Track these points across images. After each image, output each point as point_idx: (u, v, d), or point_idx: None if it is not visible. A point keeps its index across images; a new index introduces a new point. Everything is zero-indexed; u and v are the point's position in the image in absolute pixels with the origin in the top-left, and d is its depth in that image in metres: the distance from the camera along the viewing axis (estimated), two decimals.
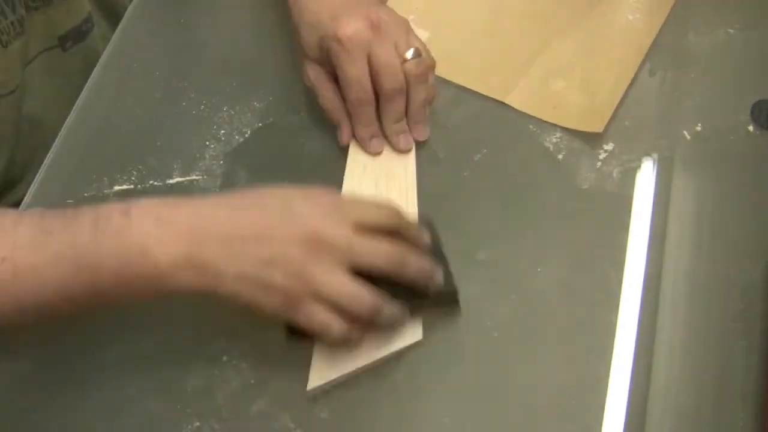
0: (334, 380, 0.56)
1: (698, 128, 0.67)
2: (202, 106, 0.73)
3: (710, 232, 0.62)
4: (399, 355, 0.57)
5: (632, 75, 0.70)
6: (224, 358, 0.59)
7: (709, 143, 0.66)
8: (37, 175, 0.69)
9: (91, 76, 0.76)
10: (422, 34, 0.71)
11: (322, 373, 0.56)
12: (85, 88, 0.75)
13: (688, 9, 0.76)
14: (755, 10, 0.74)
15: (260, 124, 0.71)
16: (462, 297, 0.59)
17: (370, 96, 0.64)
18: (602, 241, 0.62)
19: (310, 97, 0.70)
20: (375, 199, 0.57)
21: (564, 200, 0.65)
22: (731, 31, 0.73)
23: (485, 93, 0.71)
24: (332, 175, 0.67)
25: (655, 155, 0.66)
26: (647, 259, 0.61)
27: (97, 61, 0.78)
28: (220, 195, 0.55)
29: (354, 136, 0.67)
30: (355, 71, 0.62)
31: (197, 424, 0.56)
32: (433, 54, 0.66)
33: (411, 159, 0.67)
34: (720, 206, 0.64)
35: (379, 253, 0.52)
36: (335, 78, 0.65)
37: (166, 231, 0.50)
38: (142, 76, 0.76)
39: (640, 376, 0.56)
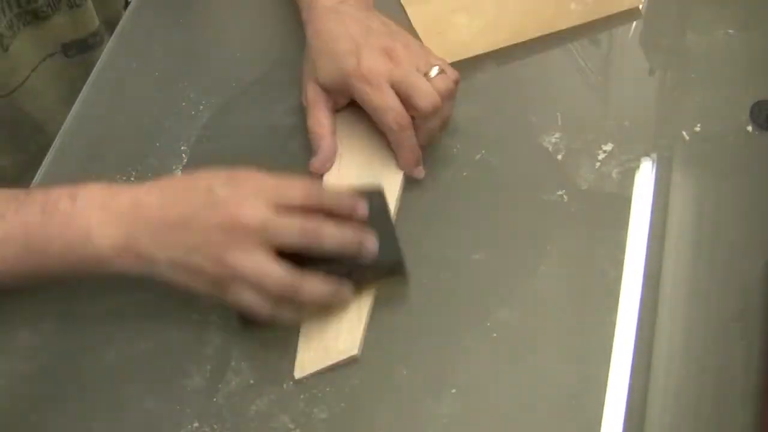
0: (320, 370, 0.57)
1: (697, 128, 0.67)
2: (202, 107, 0.73)
3: (710, 232, 0.62)
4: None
5: None
6: (224, 358, 0.59)
7: (708, 143, 0.67)
8: (37, 175, 0.69)
9: (91, 75, 0.76)
10: None
11: (304, 365, 0.57)
12: (85, 87, 0.75)
13: (687, 9, 0.76)
14: (755, 10, 0.74)
15: (260, 125, 0.71)
16: (462, 297, 0.59)
17: (408, 119, 0.62)
18: (602, 241, 0.62)
19: None
20: (300, 179, 0.57)
21: (563, 200, 0.65)
22: (731, 31, 0.73)
23: (506, 43, 0.74)
24: None
25: (654, 155, 0.66)
26: (647, 259, 0.61)
27: None
28: (160, 180, 0.56)
29: (399, 165, 0.65)
30: (385, 99, 0.62)
31: (196, 424, 0.56)
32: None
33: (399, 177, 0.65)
34: (719, 206, 0.64)
35: (293, 229, 0.53)
36: (334, 109, 0.67)
37: (107, 218, 0.53)
38: (142, 76, 0.76)
39: (640, 375, 0.56)
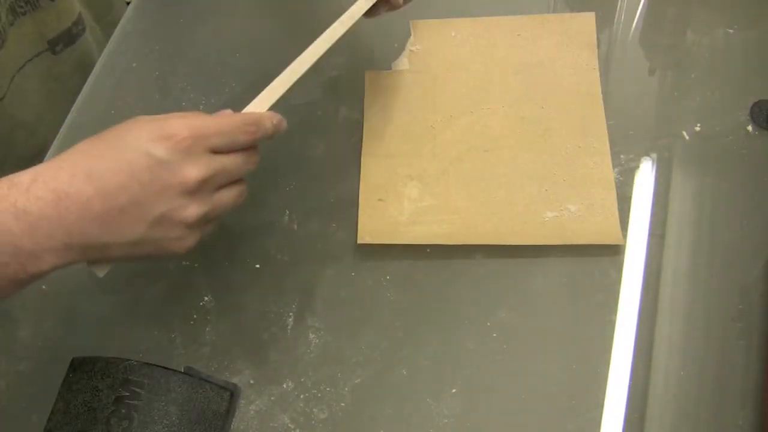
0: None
1: (697, 128, 0.67)
2: (201, 106, 0.73)
3: (710, 232, 0.62)
4: None
5: (609, 160, 0.66)
6: (224, 357, 0.59)
7: (708, 143, 0.67)
8: None
9: (91, 75, 0.76)
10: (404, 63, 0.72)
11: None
12: (85, 87, 0.75)
13: (688, 9, 0.76)
14: (755, 10, 0.74)
15: None
16: (462, 297, 0.59)
17: None
18: None
19: (309, 98, 0.70)
20: (232, 117, 0.53)
21: None
22: (731, 31, 0.73)
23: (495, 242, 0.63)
24: (332, 174, 0.68)
25: (654, 155, 0.66)
26: (647, 258, 0.61)
27: (91, 66, 0.78)
28: (74, 161, 0.48)
29: None
30: None
31: None
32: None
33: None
34: (719, 206, 0.64)
35: (235, 164, 0.52)
36: None
37: (29, 228, 0.46)
38: (142, 76, 0.76)
39: (640, 375, 0.56)
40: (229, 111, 0.54)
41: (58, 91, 0.80)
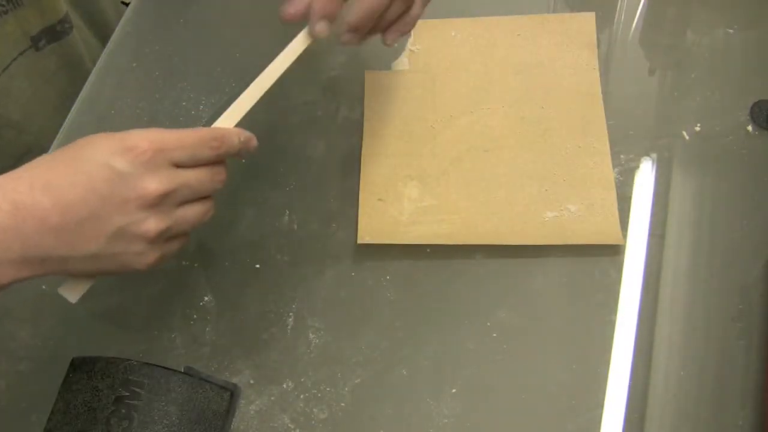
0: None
1: (697, 128, 0.67)
2: (202, 106, 0.73)
3: (710, 232, 0.62)
4: None
5: (609, 160, 0.66)
6: (224, 357, 0.59)
7: (708, 143, 0.67)
8: None
9: (91, 75, 0.76)
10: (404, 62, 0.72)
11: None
12: (85, 87, 0.75)
13: (688, 9, 0.76)
14: (755, 10, 0.74)
15: (260, 125, 0.71)
16: (462, 297, 0.59)
17: None
18: None
19: (309, 98, 0.70)
20: (195, 131, 0.51)
21: None
22: (731, 31, 0.73)
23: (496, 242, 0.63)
24: (332, 174, 0.68)
25: (654, 155, 0.66)
26: (647, 258, 0.61)
27: (79, 65, 0.77)
28: (34, 173, 0.47)
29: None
30: None
31: None
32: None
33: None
34: (719, 206, 0.64)
35: (203, 183, 0.51)
36: None
37: None
38: (142, 76, 0.76)
39: (640, 375, 0.56)
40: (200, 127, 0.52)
41: (45, 89, 0.79)
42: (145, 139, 0.48)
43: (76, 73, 0.78)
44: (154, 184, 0.48)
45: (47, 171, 0.48)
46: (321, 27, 0.55)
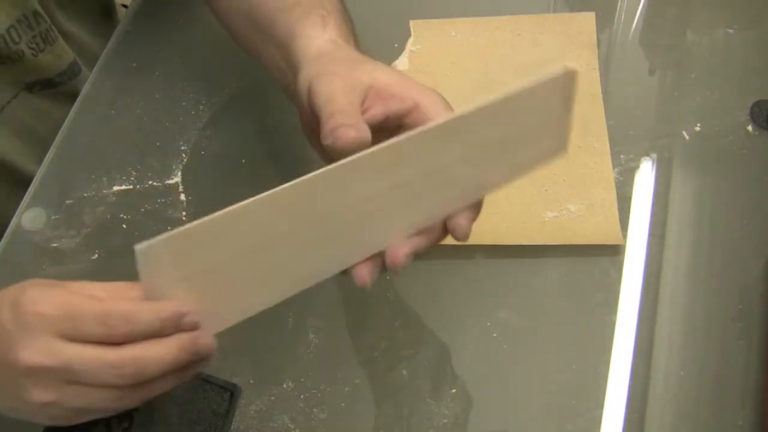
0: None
1: (697, 128, 0.67)
2: (202, 106, 0.73)
3: (710, 231, 0.62)
4: None
5: (609, 160, 0.65)
6: (223, 357, 0.59)
7: (708, 143, 0.67)
8: (37, 175, 0.69)
9: (91, 75, 0.76)
10: (404, 63, 0.72)
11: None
12: (85, 87, 0.75)
13: (687, 9, 0.76)
14: (755, 10, 0.74)
15: (260, 125, 0.71)
16: (462, 297, 0.59)
17: None
18: None
19: None
20: (97, 303, 0.41)
21: None
22: (731, 31, 0.73)
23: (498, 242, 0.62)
24: None
25: (654, 155, 0.66)
26: (647, 258, 0.61)
27: (72, 100, 0.75)
28: None
29: None
30: None
31: None
32: None
33: None
34: (719, 206, 0.64)
35: (86, 366, 0.41)
36: None
37: None
38: (142, 76, 0.76)
39: (640, 375, 0.56)
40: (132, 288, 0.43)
41: (40, 127, 0.76)
42: (35, 299, 0.41)
43: (70, 105, 0.75)
44: (26, 353, 0.40)
45: None
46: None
